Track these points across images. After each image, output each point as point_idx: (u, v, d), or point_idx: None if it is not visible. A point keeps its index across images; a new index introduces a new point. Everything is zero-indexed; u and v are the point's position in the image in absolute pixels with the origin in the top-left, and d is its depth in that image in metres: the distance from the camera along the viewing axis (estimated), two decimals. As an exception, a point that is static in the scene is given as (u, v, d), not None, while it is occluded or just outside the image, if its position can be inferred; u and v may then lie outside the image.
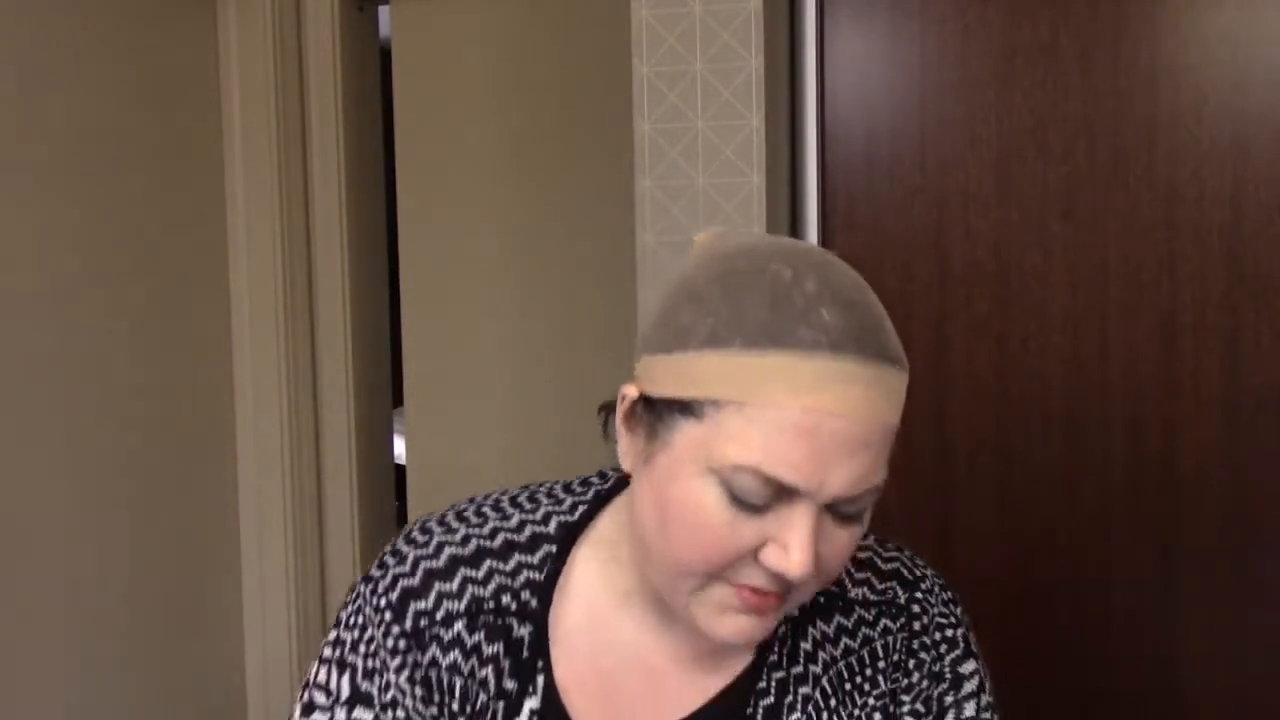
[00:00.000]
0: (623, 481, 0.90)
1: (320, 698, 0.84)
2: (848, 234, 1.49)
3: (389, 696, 0.84)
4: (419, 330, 2.25)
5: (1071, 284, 1.41)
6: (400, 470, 2.37)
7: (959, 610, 0.91)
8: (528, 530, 0.87)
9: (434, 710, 0.83)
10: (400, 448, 2.36)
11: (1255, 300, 1.35)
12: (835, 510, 0.77)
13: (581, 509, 0.89)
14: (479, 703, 0.84)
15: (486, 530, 0.87)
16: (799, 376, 0.75)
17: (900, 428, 0.87)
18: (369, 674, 0.84)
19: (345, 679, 0.84)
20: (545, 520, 0.88)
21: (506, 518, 0.88)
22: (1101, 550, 1.42)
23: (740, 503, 0.76)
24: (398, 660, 0.84)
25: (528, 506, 0.89)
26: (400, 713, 0.83)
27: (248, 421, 2.13)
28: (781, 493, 0.75)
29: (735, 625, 0.79)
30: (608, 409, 0.85)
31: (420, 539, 0.87)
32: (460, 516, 0.88)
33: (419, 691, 0.84)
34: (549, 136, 2.12)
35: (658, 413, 0.79)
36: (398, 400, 2.31)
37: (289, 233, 2.11)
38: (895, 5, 1.46)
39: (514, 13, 2.13)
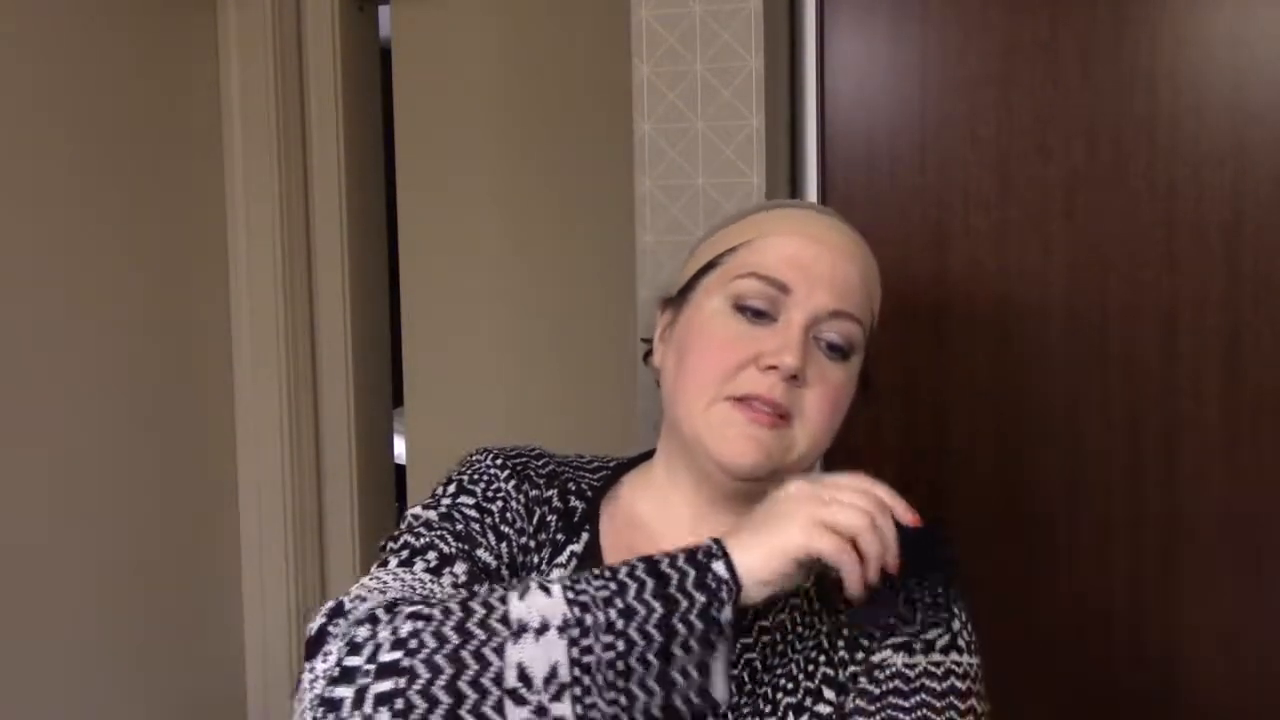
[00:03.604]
0: None
1: (429, 500, 1.01)
2: (848, 234, 1.49)
3: (494, 494, 1.01)
4: (419, 330, 2.25)
5: (1071, 284, 1.41)
6: (400, 470, 2.37)
7: (954, 596, 0.97)
8: (595, 464, 1.09)
9: (528, 524, 1.00)
10: (400, 448, 2.36)
11: (1255, 300, 1.35)
12: (823, 339, 0.95)
13: (629, 460, 1.10)
14: (540, 538, 1.00)
15: (566, 458, 1.09)
16: (794, 217, 1.00)
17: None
18: (475, 481, 1.02)
19: (454, 485, 1.02)
20: (608, 461, 1.10)
21: (582, 456, 1.10)
22: (1101, 550, 1.42)
23: (743, 310, 0.95)
24: (506, 474, 1.02)
25: (601, 456, 1.11)
26: (502, 504, 1.00)
27: (247, 421, 2.13)
28: (777, 300, 0.95)
29: (736, 440, 0.93)
30: (649, 340, 1.05)
31: (524, 445, 1.08)
32: (552, 451, 1.09)
33: (523, 500, 1.01)
34: (549, 136, 2.12)
35: (684, 292, 1.01)
36: (398, 400, 2.31)
37: (289, 232, 2.11)
38: (895, 5, 1.46)
39: (514, 13, 2.13)
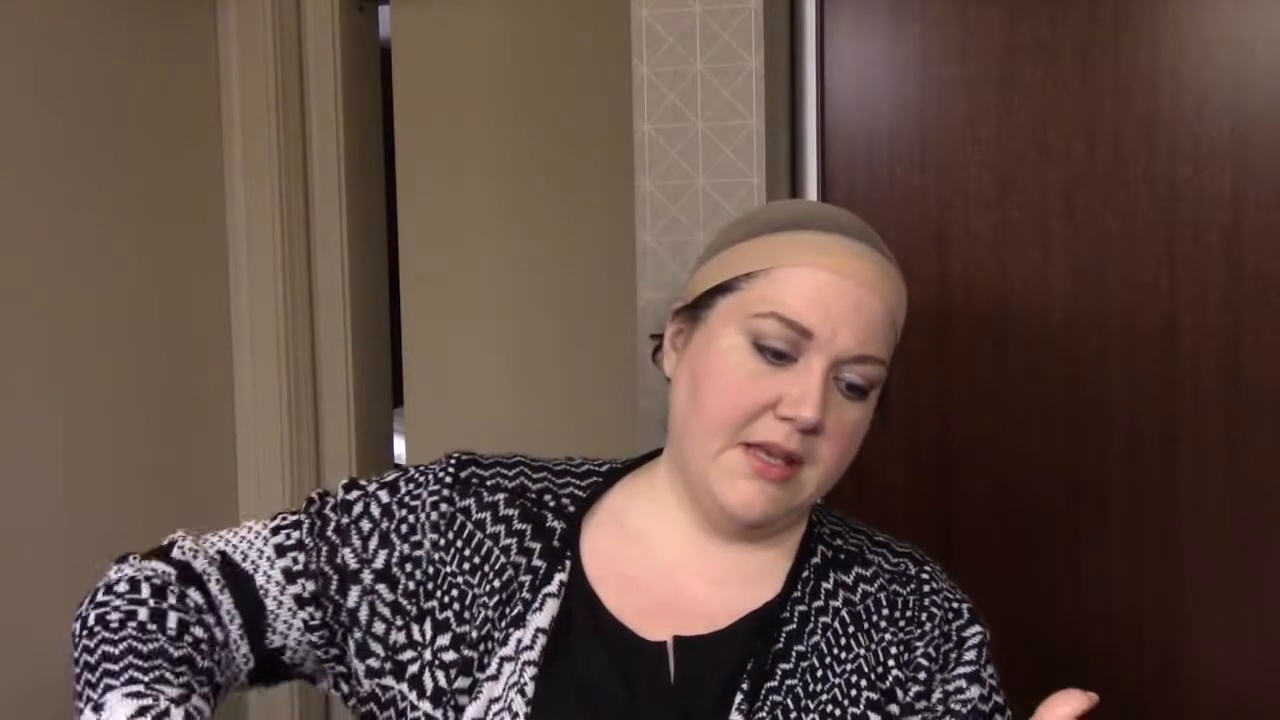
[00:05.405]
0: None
1: (366, 479, 1.02)
2: (848, 234, 1.49)
3: (412, 500, 0.99)
4: (419, 330, 2.25)
5: (1071, 284, 1.41)
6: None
7: (960, 592, 1.01)
8: (585, 468, 1.05)
9: (441, 541, 0.97)
10: (400, 448, 2.36)
11: (1255, 300, 1.35)
12: (844, 380, 0.91)
13: (629, 463, 1.05)
14: (499, 565, 0.96)
15: (555, 464, 1.05)
16: (817, 245, 0.92)
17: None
18: (410, 481, 1.00)
19: (393, 477, 1.02)
20: (600, 465, 1.05)
21: (572, 459, 1.06)
22: (1102, 550, 1.42)
23: (762, 350, 0.90)
24: (435, 486, 0.99)
25: (592, 459, 1.07)
26: (406, 514, 0.98)
27: (248, 421, 2.13)
28: (798, 343, 0.90)
29: (745, 491, 0.91)
30: (658, 336, 1.01)
31: (505, 451, 1.05)
32: (537, 458, 1.06)
33: (434, 517, 0.98)
34: (549, 136, 2.12)
35: (698, 307, 0.96)
36: (398, 400, 2.31)
37: (289, 233, 2.11)
38: (895, 5, 1.46)
39: (514, 13, 2.13)
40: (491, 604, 0.95)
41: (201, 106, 2.05)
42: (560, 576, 0.96)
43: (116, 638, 0.90)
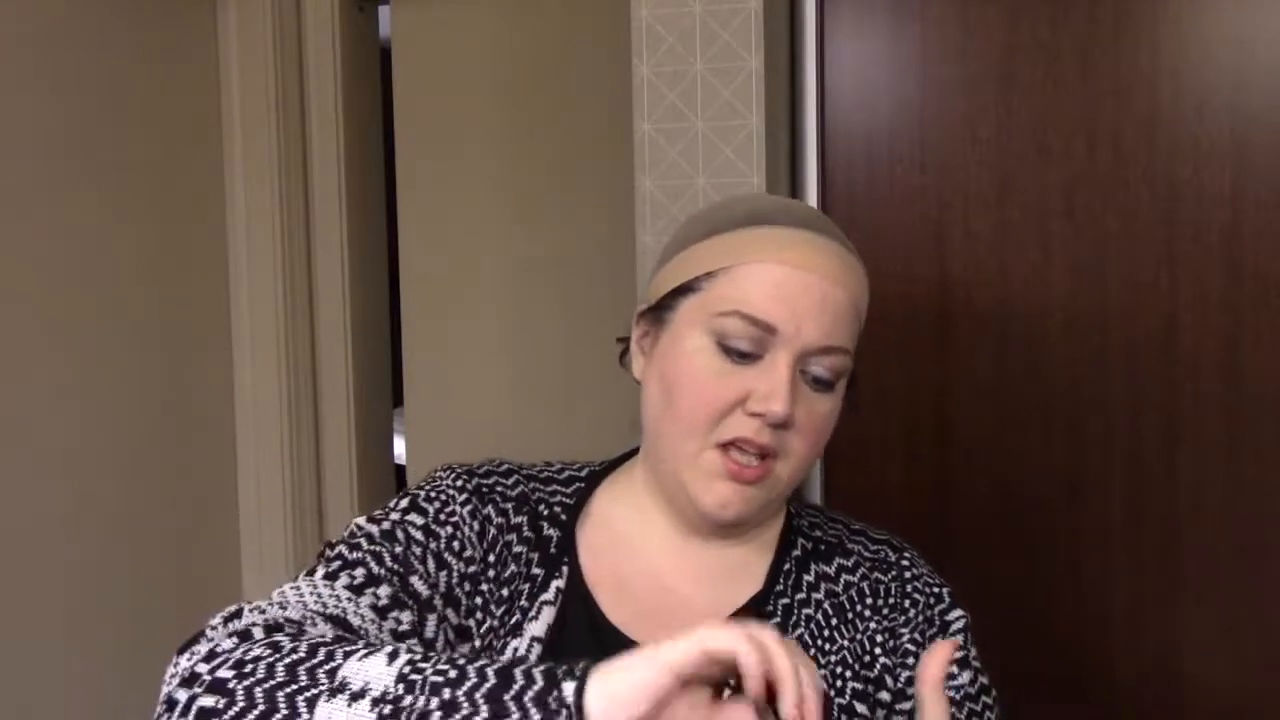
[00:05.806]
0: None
1: (379, 512, 0.97)
2: (847, 234, 1.48)
3: (447, 516, 0.96)
4: (419, 330, 2.25)
5: (1071, 284, 1.41)
6: (400, 470, 2.37)
7: (939, 576, 1.02)
8: (566, 474, 1.05)
9: (483, 553, 0.96)
10: (400, 448, 2.36)
11: (1255, 300, 1.35)
12: (810, 373, 0.92)
13: (607, 464, 1.07)
14: (509, 570, 0.96)
15: (537, 470, 1.05)
16: (778, 240, 0.93)
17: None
18: (430, 500, 0.97)
19: (407, 500, 0.98)
20: (580, 470, 1.06)
21: (552, 465, 1.07)
22: (1102, 550, 1.42)
23: (728, 350, 0.91)
24: (464, 497, 0.98)
25: (569, 462, 1.08)
26: (452, 530, 0.95)
27: (248, 422, 2.13)
28: (764, 340, 0.90)
29: (720, 493, 0.92)
30: (624, 340, 1.02)
31: (491, 459, 1.04)
32: (520, 463, 1.06)
33: (476, 527, 0.97)
34: (549, 137, 2.12)
35: (662, 308, 0.96)
36: (398, 400, 2.31)
37: (289, 233, 2.11)
38: (895, 5, 1.46)
39: (514, 13, 2.13)
40: (498, 614, 0.95)
41: (201, 106, 2.05)
42: (557, 583, 0.96)
43: (279, 657, 0.77)
